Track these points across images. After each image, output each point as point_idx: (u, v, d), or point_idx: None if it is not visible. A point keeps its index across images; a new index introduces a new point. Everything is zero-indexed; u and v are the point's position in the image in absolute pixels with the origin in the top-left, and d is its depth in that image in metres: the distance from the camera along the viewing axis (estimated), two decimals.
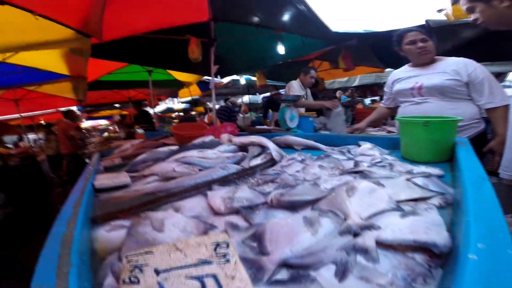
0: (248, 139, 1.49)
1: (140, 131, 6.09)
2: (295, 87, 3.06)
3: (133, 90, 7.19)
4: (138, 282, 0.33)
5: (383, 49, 3.15)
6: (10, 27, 2.08)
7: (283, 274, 0.41)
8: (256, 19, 3.24)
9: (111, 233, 0.64)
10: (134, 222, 0.64)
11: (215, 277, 0.34)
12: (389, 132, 2.55)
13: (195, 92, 7.25)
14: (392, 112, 1.98)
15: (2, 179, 3.82)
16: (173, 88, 6.79)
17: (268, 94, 7.13)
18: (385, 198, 0.60)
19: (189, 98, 8.53)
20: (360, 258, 0.42)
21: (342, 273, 0.39)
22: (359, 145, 1.28)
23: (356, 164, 0.99)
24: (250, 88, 8.04)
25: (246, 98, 9.79)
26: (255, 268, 0.40)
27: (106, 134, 7.89)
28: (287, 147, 1.53)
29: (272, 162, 1.18)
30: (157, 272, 0.35)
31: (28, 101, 5.90)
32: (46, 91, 5.32)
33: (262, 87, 5.93)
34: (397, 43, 1.74)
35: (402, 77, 1.76)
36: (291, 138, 1.58)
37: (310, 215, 0.54)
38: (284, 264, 0.42)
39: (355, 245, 0.44)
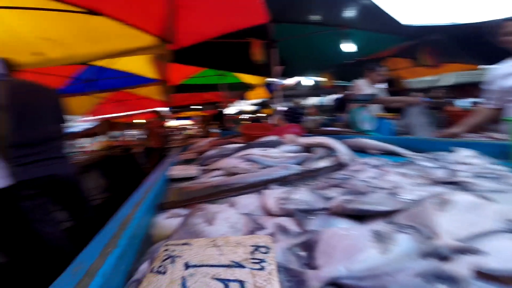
0: (314, 140, 1.42)
1: (214, 130, 6.63)
2: (363, 86, 2.78)
3: (209, 92, 7.87)
4: (164, 273, 0.31)
5: (475, 43, 2.58)
6: (106, 36, 2.52)
7: None
8: (317, 17, 3.12)
9: (168, 221, 0.66)
10: (190, 213, 0.65)
11: (242, 284, 0.29)
12: (493, 138, 2.03)
13: (263, 94, 7.42)
14: (497, 114, 1.58)
15: (106, 167, 4.67)
16: (241, 91, 7.11)
17: (340, 95, 6.77)
18: (493, 216, 0.45)
19: (258, 100, 8.81)
20: None
21: None
22: (453, 152, 1.05)
23: (452, 173, 0.80)
24: (318, 89, 7.76)
25: (315, 100, 9.52)
26: (295, 282, 0.33)
27: (187, 132, 8.94)
28: (359, 151, 1.37)
29: (340, 165, 1.08)
30: (187, 266, 0.32)
31: (127, 102, 7.11)
32: (141, 93, 6.30)
33: (329, 88, 5.65)
34: (495, 34, 1.46)
35: (507, 73, 1.48)
36: (364, 141, 1.42)
37: (383, 228, 0.43)
38: (334, 284, 0.34)
39: (440, 272, 0.33)
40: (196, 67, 4.91)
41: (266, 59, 3.20)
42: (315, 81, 6.91)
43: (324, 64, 4.69)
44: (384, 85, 3.04)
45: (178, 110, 11.96)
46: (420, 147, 1.23)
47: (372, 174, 0.89)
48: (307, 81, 6.82)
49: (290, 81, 6.55)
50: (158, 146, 5.74)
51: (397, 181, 0.79)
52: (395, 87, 4.13)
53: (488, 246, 0.37)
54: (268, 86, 6.87)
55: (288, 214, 0.58)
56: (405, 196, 0.62)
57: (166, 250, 0.35)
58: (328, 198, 0.66)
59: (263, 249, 0.34)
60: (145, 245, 0.52)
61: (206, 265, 0.32)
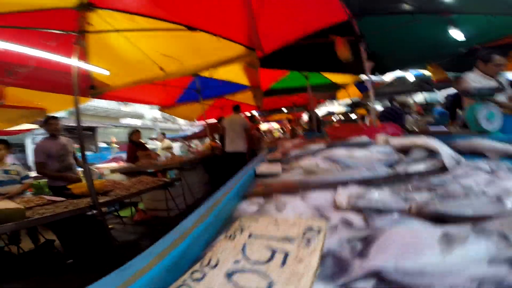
0: (409, 140, 1.29)
1: (301, 132, 6.69)
2: (473, 80, 2.25)
3: (298, 95, 7.97)
4: (234, 239, 0.40)
5: None
6: (206, 49, 2.97)
7: (366, 285, 0.34)
8: (407, 6, 2.71)
9: (248, 207, 0.78)
10: (266, 201, 0.75)
11: (286, 254, 0.34)
12: None
13: (354, 93, 6.94)
14: None
15: (211, 165, 5.45)
16: (330, 91, 6.87)
17: (454, 90, 5.57)
18: None
19: (349, 100, 8.29)
20: None
21: None
22: None
23: None
24: (424, 84, 6.60)
25: (420, 97, 8.17)
26: (338, 267, 0.36)
27: (276, 134, 9.37)
28: (474, 153, 1.17)
29: (440, 170, 0.95)
30: (250, 235, 0.40)
31: (226, 107, 8.03)
32: (237, 99, 7.02)
33: (441, 81, 4.72)
34: None
35: None
36: (481, 142, 1.20)
37: (457, 231, 0.39)
38: (377, 276, 0.34)
39: (501, 280, 0.29)
40: (284, 70, 5.08)
41: (353, 56, 3.02)
42: (421, 76, 5.93)
43: (428, 55, 4.00)
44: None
45: (267, 114, 12.65)
46: None
47: (481, 179, 0.76)
48: (409, 76, 5.92)
49: (387, 77, 5.86)
50: (252, 147, 6.24)
51: (510, 188, 0.66)
52: None
53: None
54: (359, 84, 6.37)
55: (357, 210, 0.58)
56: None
57: (240, 221, 0.45)
58: (410, 201, 0.61)
59: (315, 231, 0.38)
60: (229, 224, 0.64)
61: (264, 237, 0.39)
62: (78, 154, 3.17)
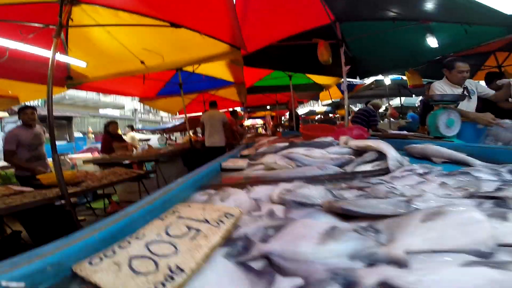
0: (364, 143, 1.39)
1: (281, 130, 6.80)
2: (438, 89, 2.38)
3: (281, 93, 8.10)
4: (164, 219, 0.47)
5: None
6: (189, 45, 3.00)
7: (258, 264, 0.41)
8: (390, 13, 2.82)
9: (200, 196, 0.85)
10: (215, 193, 0.82)
11: (198, 231, 0.41)
12: None
13: (335, 94, 7.16)
14: None
15: (189, 158, 5.45)
16: (312, 91, 7.04)
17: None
18: (481, 236, 0.41)
19: (331, 101, 8.53)
20: None
21: None
22: None
23: (500, 188, 0.70)
24: (402, 89, 6.93)
25: (397, 101, 8.54)
26: (243, 248, 0.43)
27: (260, 130, 9.46)
28: (425, 158, 1.27)
29: (385, 171, 1.04)
30: (178, 217, 0.47)
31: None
32: (221, 94, 7.02)
33: (416, 87, 4.99)
34: None
35: None
36: (431, 148, 1.29)
37: (344, 227, 0.47)
38: (267, 258, 0.41)
39: (347, 275, 0.36)
40: (268, 69, 5.17)
41: (334, 60, 3.14)
42: (399, 80, 6.22)
43: (407, 61, 4.21)
44: (479, 84, 2.55)
45: (251, 110, 12.74)
46: (502, 158, 1.04)
47: (411, 182, 0.85)
48: (387, 80, 6.20)
49: (367, 80, 6.09)
50: (232, 142, 6.28)
51: (427, 190, 0.75)
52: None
53: (436, 270, 0.34)
54: (340, 86, 6.58)
55: (283, 203, 0.66)
56: (417, 205, 0.60)
57: (174, 208, 0.51)
58: (339, 198, 0.70)
59: (230, 216, 0.45)
60: None
61: (188, 218, 0.46)
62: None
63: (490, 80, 3.38)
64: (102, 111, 16.80)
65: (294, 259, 0.40)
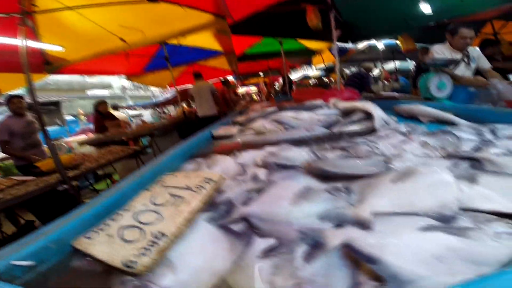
0: (351, 104, 1.41)
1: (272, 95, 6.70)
2: (439, 52, 2.32)
3: (273, 59, 7.84)
4: (149, 190, 0.52)
5: None
6: (170, 19, 2.85)
7: (238, 226, 0.45)
8: None
9: (189, 165, 0.89)
10: (203, 161, 0.86)
11: (180, 198, 0.46)
12: None
13: (329, 58, 6.97)
14: None
15: (184, 129, 5.42)
16: (305, 56, 6.83)
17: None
18: (446, 199, 0.41)
19: (324, 65, 8.33)
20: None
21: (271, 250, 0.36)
22: None
23: (478, 148, 0.73)
24: (396, 53, 6.77)
25: (391, 65, 8.38)
26: (226, 211, 0.47)
27: (254, 97, 9.32)
28: (412, 118, 1.30)
29: (369, 131, 1.07)
30: (165, 186, 0.51)
31: (202, 73, 7.77)
32: (211, 64, 6.80)
33: (409, 51, 4.88)
34: None
35: None
36: (418, 107, 1.31)
37: (317, 187, 0.51)
38: (246, 220, 0.45)
39: (315, 235, 0.38)
40: (258, 36, 4.96)
41: (324, 25, 3.02)
42: (393, 45, 6.04)
43: (399, 26, 4.05)
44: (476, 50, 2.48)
45: (243, 78, 12.39)
46: (486, 118, 1.06)
47: (395, 141, 0.88)
48: (380, 44, 6.03)
49: (360, 45, 5.91)
50: (225, 110, 6.20)
51: (407, 150, 0.78)
52: (497, 52, 3.28)
53: (396, 232, 0.35)
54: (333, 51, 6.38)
55: (266, 166, 0.69)
56: (395, 165, 0.62)
57: (159, 178, 0.56)
58: (321, 159, 0.72)
59: (211, 182, 0.50)
60: None
61: (172, 186, 0.51)
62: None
63: (484, 46, 3.31)
64: (90, 92, 16.33)
65: (270, 220, 0.43)
